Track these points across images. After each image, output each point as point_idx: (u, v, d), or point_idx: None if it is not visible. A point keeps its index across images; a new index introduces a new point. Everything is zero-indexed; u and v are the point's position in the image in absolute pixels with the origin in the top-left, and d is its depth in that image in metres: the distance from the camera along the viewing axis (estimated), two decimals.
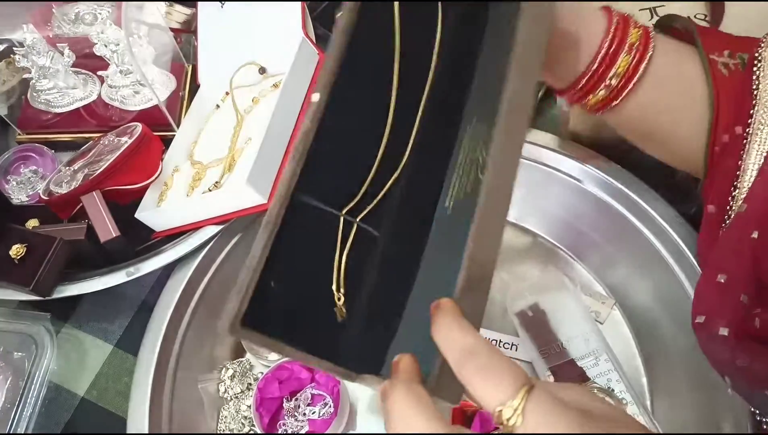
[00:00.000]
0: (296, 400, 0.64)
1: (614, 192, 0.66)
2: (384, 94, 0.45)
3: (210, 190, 0.64)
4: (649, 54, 0.51)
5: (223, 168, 0.66)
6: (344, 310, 0.41)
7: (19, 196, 0.74)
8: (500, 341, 0.68)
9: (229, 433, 0.63)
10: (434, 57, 0.46)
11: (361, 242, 0.43)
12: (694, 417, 0.61)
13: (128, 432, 0.57)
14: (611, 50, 0.50)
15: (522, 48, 0.39)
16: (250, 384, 0.65)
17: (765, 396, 0.42)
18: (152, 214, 0.67)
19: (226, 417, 0.63)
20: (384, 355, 0.39)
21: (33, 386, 0.61)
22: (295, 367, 0.64)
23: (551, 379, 0.64)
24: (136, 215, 0.68)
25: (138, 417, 0.58)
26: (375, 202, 0.44)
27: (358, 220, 0.44)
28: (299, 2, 0.71)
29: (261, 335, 0.36)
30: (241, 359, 0.66)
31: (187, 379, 0.63)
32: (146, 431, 0.57)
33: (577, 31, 0.50)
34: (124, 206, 0.69)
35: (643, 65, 0.51)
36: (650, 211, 0.64)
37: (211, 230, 0.65)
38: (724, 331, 0.44)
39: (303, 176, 0.39)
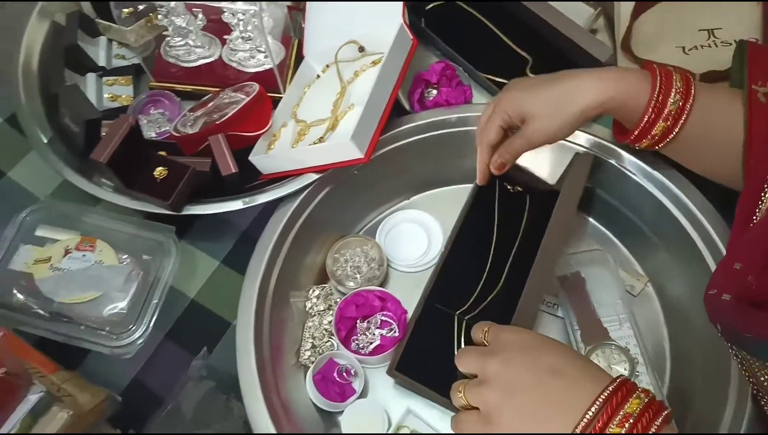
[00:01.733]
0: (368, 322, 0.78)
1: (663, 188, 0.79)
2: (487, 245, 0.80)
3: (315, 144, 0.79)
4: (691, 99, 0.65)
5: (326, 127, 0.80)
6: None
7: (148, 132, 0.89)
8: (551, 302, 0.81)
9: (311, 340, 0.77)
10: (523, 224, 0.81)
11: (469, 331, 0.68)
12: (704, 385, 0.72)
13: (237, 329, 0.72)
14: (659, 102, 0.65)
15: (553, 223, 0.74)
16: (331, 305, 0.79)
17: (747, 338, 0.55)
18: (263, 158, 0.82)
19: (310, 328, 0.78)
20: None
21: (158, 284, 0.75)
22: (370, 296, 0.78)
23: (578, 333, 0.77)
24: (250, 158, 0.82)
25: (245, 319, 0.72)
26: (479, 310, 0.76)
27: (466, 318, 0.75)
28: None
29: (405, 377, 0.71)
30: (324, 285, 0.81)
31: (282, 294, 0.77)
32: (252, 331, 0.71)
33: (628, 94, 0.66)
34: (237, 151, 0.83)
35: (687, 109, 0.65)
36: (690, 205, 0.76)
37: (312, 177, 0.80)
38: (726, 297, 0.57)
39: (434, 289, 0.76)
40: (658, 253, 0.81)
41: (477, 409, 0.53)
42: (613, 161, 0.81)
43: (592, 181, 0.83)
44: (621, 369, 0.73)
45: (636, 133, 0.68)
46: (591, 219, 0.88)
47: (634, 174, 0.80)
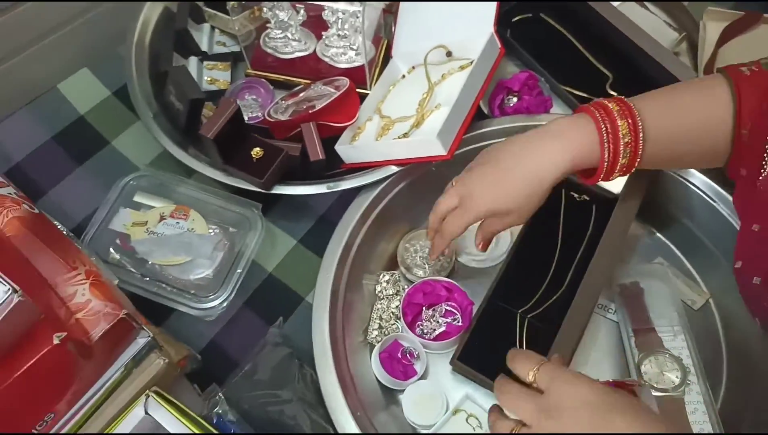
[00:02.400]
0: (434, 310, 0.82)
1: (728, 204, 0.80)
2: (552, 248, 0.84)
3: (399, 138, 0.83)
4: (641, 135, 0.65)
5: (411, 123, 0.84)
6: None
7: None
8: (604, 305, 0.84)
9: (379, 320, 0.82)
10: (588, 232, 0.85)
11: (530, 328, 0.79)
12: (756, 416, 0.74)
13: (314, 305, 0.76)
14: (611, 144, 0.65)
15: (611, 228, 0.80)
16: (399, 291, 0.84)
17: None
18: (348, 148, 0.87)
19: (378, 310, 0.82)
20: None
21: (243, 255, 0.81)
22: (437, 285, 0.82)
23: (632, 340, 0.79)
24: (336, 147, 0.87)
25: (322, 296, 0.77)
26: (541, 310, 0.80)
27: (528, 316, 0.79)
28: (495, 3, 0.88)
29: (467, 368, 0.75)
30: (393, 271, 0.85)
31: (355, 276, 0.82)
32: (327, 308, 0.76)
33: (582, 152, 0.67)
34: (323, 139, 0.88)
35: (640, 134, 0.65)
36: None
37: (392, 169, 0.84)
38: (757, 280, 0.59)
39: (498, 286, 0.80)
40: (722, 270, 0.83)
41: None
42: (677, 174, 0.84)
43: (657, 193, 0.86)
44: (673, 377, 0.75)
45: (601, 176, 0.69)
46: (656, 231, 0.91)
47: (698, 188, 0.83)
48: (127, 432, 0.57)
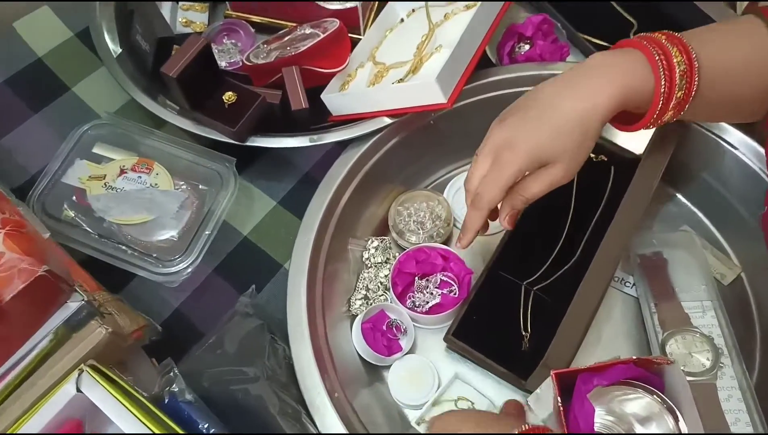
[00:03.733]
0: (427, 280, 0.72)
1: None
2: (564, 214, 0.75)
3: (393, 84, 0.73)
4: (696, 64, 0.55)
5: (408, 69, 0.74)
6: (527, 343, 0.67)
7: (219, 61, 0.85)
8: (621, 278, 0.75)
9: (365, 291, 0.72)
10: (606, 195, 0.75)
11: (536, 302, 0.70)
12: None
13: (290, 270, 0.67)
14: (666, 72, 0.55)
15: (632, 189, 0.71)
16: (389, 258, 0.74)
17: None
18: (335, 96, 0.77)
19: (365, 279, 0.73)
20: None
21: (213, 216, 0.71)
22: (432, 253, 0.72)
23: (655, 316, 0.70)
24: (322, 96, 0.78)
25: (299, 262, 0.68)
26: (549, 281, 0.71)
27: (534, 289, 0.70)
28: None
29: (464, 345, 0.66)
30: (384, 237, 0.75)
31: (340, 241, 0.72)
32: (305, 275, 0.67)
33: (634, 88, 0.56)
34: (308, 89, 0.78)
35: (695, 69, 0.55)
36: None
37: (384, 121, 0.74)
38: None
39: (501, 256, 0.71)
40: (756, 240, 0.72)
41: None
42: (709, 132, 0.74)
43: (683, 152, 0.75)
44: (703, 359, 0.65)
45: (654, 114, 0.58)
46: (680, 196, 0.81)
47: (733, 146, 0.73)
48: (54, 413, 0.47)
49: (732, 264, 0.75)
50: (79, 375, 0.49)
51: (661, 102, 0.56)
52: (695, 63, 0.55)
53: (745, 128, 0.72)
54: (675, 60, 0.54)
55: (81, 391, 0.49)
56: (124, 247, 0.69)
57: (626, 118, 0.60)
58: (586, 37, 0.84)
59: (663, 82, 0.54)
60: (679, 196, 0.80)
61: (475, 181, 0.61)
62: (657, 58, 0.55)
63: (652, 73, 0.55)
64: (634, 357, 0.52)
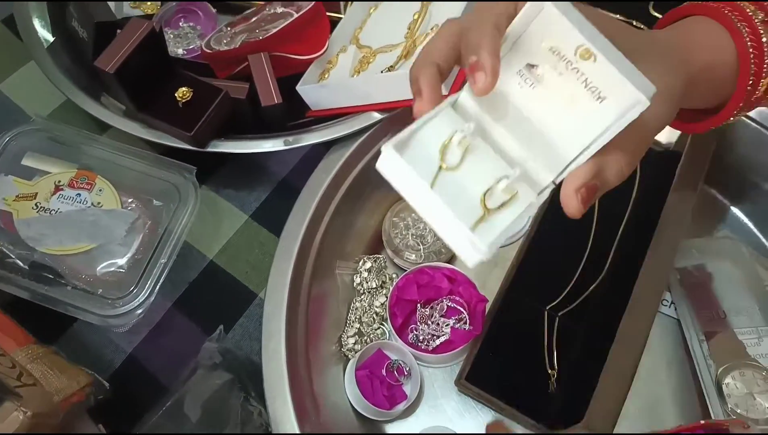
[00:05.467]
0: (432, 308, 0.60)
1: None
2: (587, 223, 0.63)
3: (383, 73, 0.61)
4: None
5: (399, 54, 0.62)
6: (554, 384, 0.56)
7: (174, 49, 0.73)
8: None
9: (359, 325, 0.60)
10: (632, 197, 0.64)
11: (562, 331, 0.58)
12: None
13: (266, 305, 0.55)
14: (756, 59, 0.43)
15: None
16: (385, 281, 0.62)
17: None
18: (314, 88, 0.65)
19: (357, 309, 0.61)
20: (583, 413, 0.50)
21: (170, 238, 0.59)
22: (437, 274, 0.61)
23: (704, 345, 0.59)
24: (297, 88, 0.66)
25: (277, 293, 0.56)
26: (574, 305, 0.59)
27: (559, 314, 0.59)
28: None
29: (478, 390, 0.55)
30: (378, 255, 0.63)
31: (326, 263, 0.60)
32: (284, 308, 0.55)
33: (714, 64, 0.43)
34: (281, 79, 0.65)
35: None
36: None
37: (374, 117, 0.62)
38: None
39: (517, 277, 0.60)
40: None
41: None
42: (752, 120, 0.64)
43: (724, 147, 0.65)
44: (766, 402, 0.54)
45: (740, 103, 0.45)
46: (721, 197, 0.69)
47: None
48: None
49: None
50: None
51: (749, 83, 0.43)
52: None
53: None
54: (763, 37, 0.42)
55: None
56: (61, 284, 0.57)
57: (696, 112, 0.48)
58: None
59: (752, 60, 0.42)
60: (718, 195, 0.69)
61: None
62: (739, 25, 0.42)
63: (733, 50, 0.42)
64: (702, 422, 0.41)
